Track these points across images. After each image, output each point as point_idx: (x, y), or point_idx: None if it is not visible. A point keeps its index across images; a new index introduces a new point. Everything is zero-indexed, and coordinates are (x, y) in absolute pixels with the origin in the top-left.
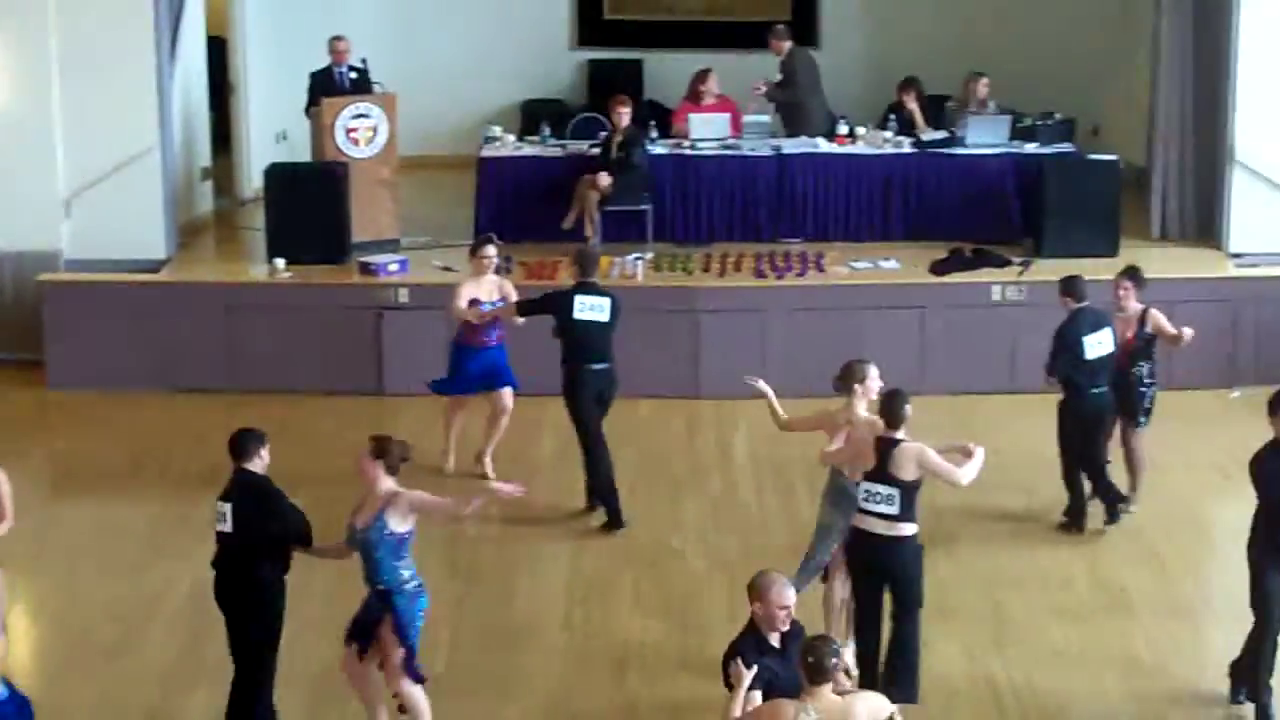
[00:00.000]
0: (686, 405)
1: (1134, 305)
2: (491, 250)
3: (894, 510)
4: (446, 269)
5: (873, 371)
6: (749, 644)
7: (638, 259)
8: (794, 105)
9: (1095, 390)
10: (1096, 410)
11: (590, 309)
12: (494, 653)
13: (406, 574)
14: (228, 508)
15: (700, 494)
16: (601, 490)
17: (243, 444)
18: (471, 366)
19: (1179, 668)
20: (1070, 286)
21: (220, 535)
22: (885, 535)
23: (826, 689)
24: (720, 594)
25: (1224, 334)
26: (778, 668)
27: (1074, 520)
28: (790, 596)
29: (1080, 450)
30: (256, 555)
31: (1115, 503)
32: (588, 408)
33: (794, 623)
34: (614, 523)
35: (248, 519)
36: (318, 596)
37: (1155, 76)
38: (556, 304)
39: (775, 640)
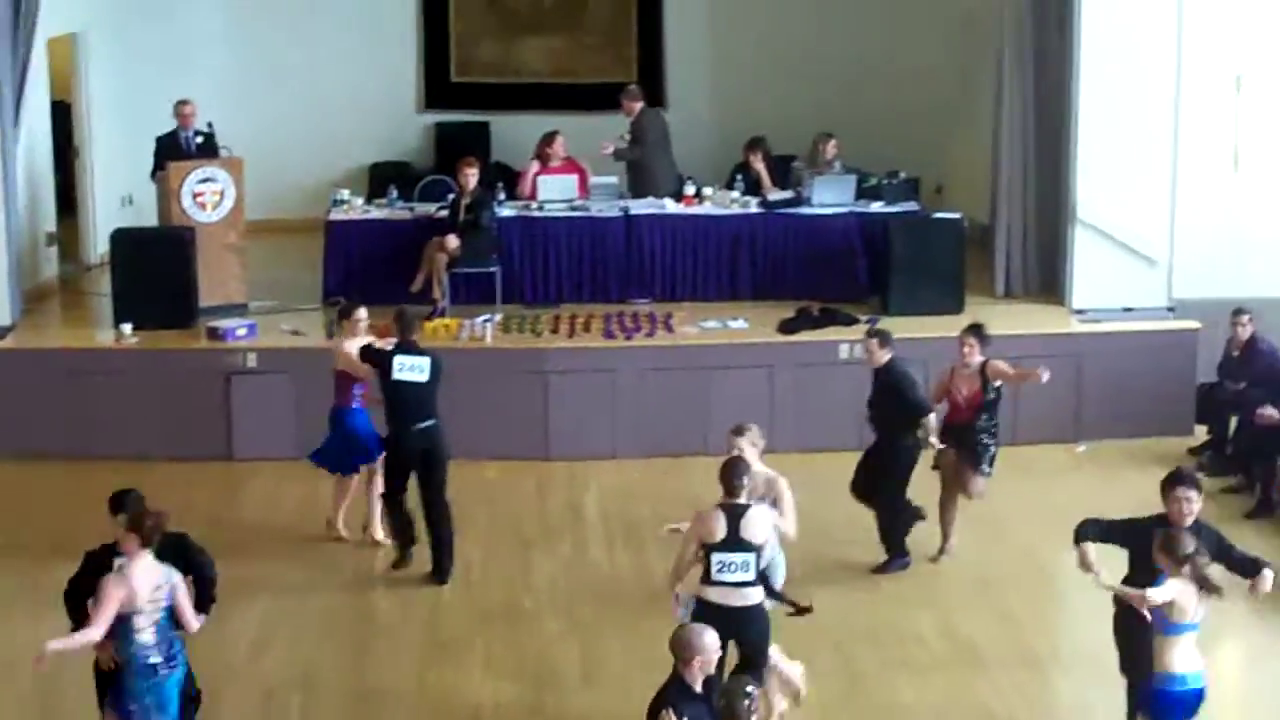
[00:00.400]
0: (536, 466)
1: (977, 360)
2: (363, 312)
3: (750, 577)
4: (295, 333)
5: (738, 442)
6: (678, 694)
7: (486, 321)
8: (642, 166)
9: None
10: (914, 457)
11: (410, 369)
12: (347, 716)
13: (138, 650)
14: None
15: (552, 554)
16: (441, 541)
17: (135, 502)
18: (366, 426)
19: (1029, 719)
20: (886, 337)
21: None
22: (740, 606)
23: None
24: (573, 654)
25: (1069, 389)
26: (704, 716)
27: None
28: (717, 641)
29: (896, 493)
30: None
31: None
32: (401, 469)
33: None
34: (444, 569)
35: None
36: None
37: (997, 135)
38: (380, 362)
39: (699, 688)
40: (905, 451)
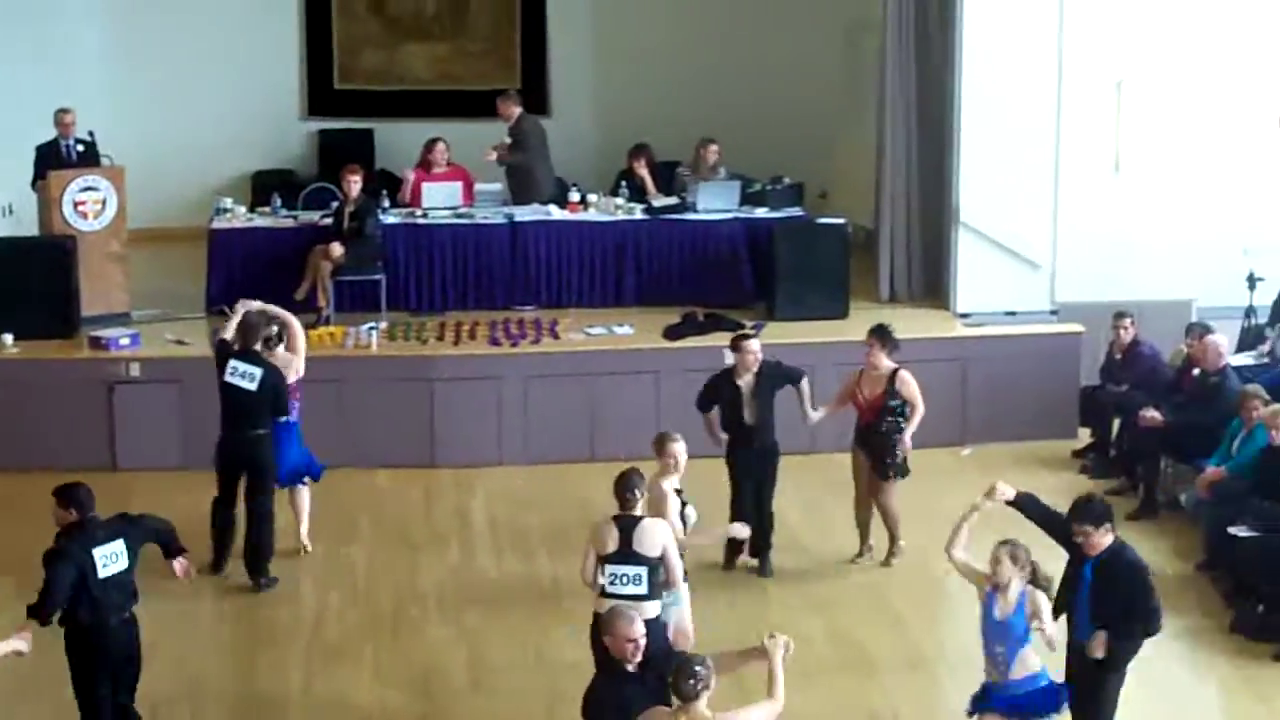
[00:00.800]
0: (424, 474)
1: (885, 364)
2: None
3: (642, 590)
4: (179, 342)
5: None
6: (606, 682)
7: (372, 329)
8: (523, 171)
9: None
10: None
11: (240, 376)
12: None
13: None
14: (119, 545)
15: (439, 561)
16: (256, 549)
17: (89, 493)
18: (290, 454)
19: None
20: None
21: (111, 577)
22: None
23: (698, 705)
24: (461, 660)
25: (953, 392)
26: (634, 695)
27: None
28: (637, 629)
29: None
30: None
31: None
32: (224, 472)
33: (655, 651)
34: (257, 574)
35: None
36: None
37: (881, 141)
38: (218, 360)
39: (632, 668)
40: (777, 447)
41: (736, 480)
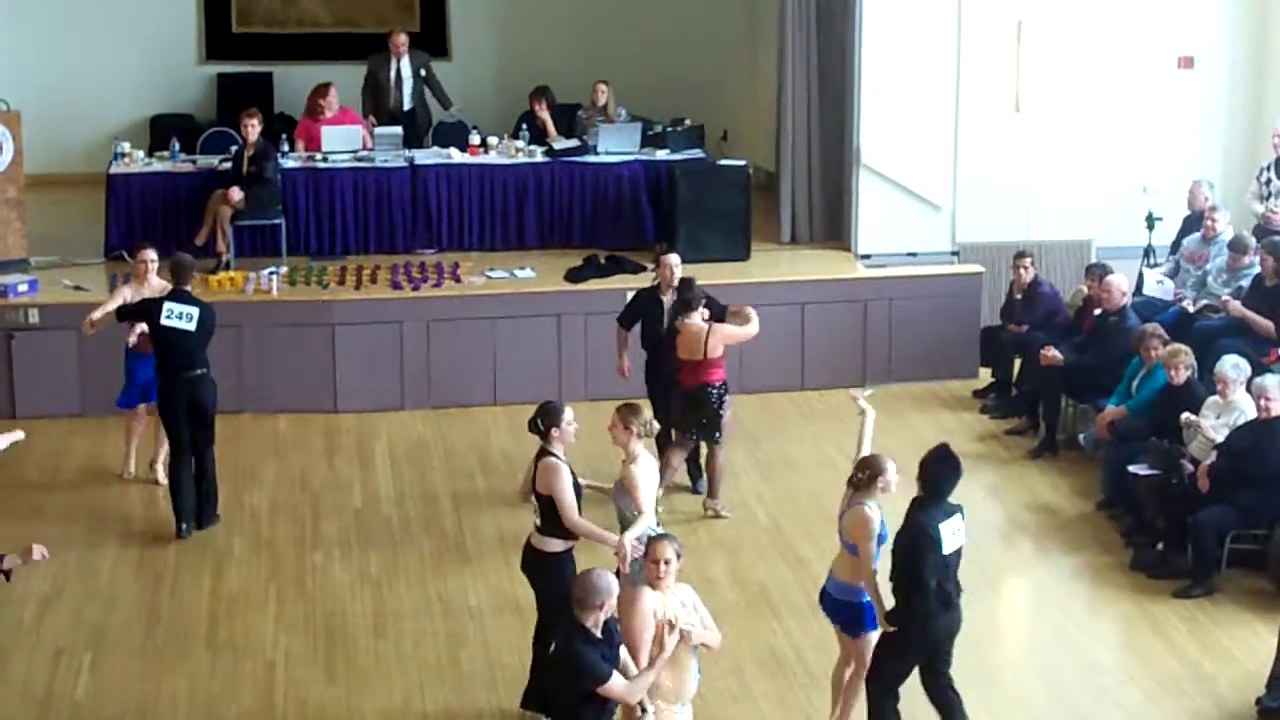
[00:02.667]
0: (325, 419)
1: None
2: (151, 254)
3: (539, 522)
4: (77, 288)
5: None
6: (582, 639)
7: (272, 273)
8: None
9: None
10: None
11: (178, 317)
12: (138, 675)
13: None
14: None
15: (342, 507)
16: (206, 495)
17: None
18: (140, 375)
19: (819, 663)
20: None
21: None
22: (533, 546)
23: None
24: (365, 606)
25: (855, 333)
26: (606, 652)
27: None
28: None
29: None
30: None
31: None
32: (175, 418)
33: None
34: (206, 520)
35: None
36: None
37: (782, 82)
38: (149, 311)
39: (599, 632)
40: None
41: (652, 399)
